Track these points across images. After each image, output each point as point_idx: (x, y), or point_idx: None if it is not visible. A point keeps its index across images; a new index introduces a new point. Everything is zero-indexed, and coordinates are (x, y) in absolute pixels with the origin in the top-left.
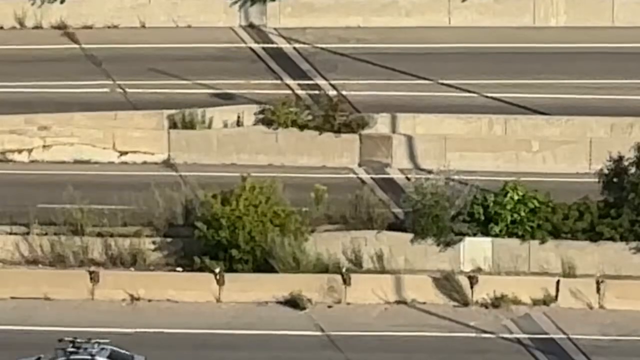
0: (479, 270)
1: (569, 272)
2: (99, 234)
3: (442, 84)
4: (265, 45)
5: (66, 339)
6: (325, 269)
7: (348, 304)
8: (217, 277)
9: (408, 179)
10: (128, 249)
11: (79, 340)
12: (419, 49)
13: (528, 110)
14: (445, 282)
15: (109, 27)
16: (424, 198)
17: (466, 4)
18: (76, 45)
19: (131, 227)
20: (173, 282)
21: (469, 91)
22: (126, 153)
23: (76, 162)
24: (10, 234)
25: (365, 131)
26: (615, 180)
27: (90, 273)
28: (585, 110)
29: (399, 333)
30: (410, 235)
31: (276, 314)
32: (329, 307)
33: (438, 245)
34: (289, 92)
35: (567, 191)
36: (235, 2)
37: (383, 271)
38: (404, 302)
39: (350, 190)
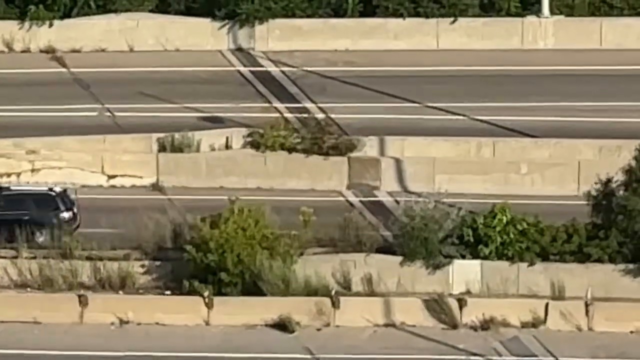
0: (468, 292)
1: (557, 294)
2: (88, 258)
3: (431, 106)
4: (254, 69)
5: None
6: (314, 292)
7: (337, 326)
8: (206, 300)
9: (397, 201)
10: (117, 272)
11: None
12: (407, 71)
13: (516, 132)
14: (435, 305)
15: (97, 51)
16: (412, 221)
17: (454, 27)
18: (64, 69)
19: (120, 251)
20: (162, 306)
21: (458, 114)
22: (115, 176)
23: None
24: None
25: (354, 154)
26: (603, 202)
27: (79, 296)
28: (574, 133)
29: (388, 356)
30: (399, 258)
31: (265, 337)
32: (318, 330)
33: (427, 267)
34: (278, 115)
35: (556, 213)
36: (224, 26)
37: (372, 294)
38: (393, 325)
39: (339, 213)
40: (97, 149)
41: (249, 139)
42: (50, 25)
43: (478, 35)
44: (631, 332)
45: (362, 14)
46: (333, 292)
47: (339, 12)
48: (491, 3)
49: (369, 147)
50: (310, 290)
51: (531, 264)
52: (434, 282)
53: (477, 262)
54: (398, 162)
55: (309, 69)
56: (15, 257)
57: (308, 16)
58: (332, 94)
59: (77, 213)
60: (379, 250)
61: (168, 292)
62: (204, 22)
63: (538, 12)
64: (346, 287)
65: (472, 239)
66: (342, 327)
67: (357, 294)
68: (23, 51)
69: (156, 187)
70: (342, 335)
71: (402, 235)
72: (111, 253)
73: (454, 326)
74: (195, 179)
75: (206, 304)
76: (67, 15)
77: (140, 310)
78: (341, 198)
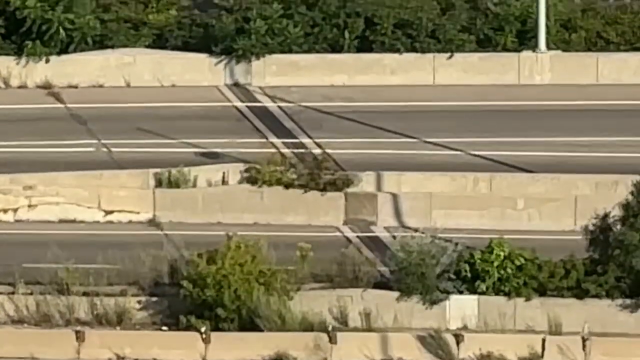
0: (465, 328)
1: (555, 330)
2: (85, 293)
3: (427, 142)
4: (251, 104)
5: None
6: (311, 328)
7: None
8: (203, 336)
9: (394, 237)
10: (114, 308)
11: None
12: (404, 107)
13: (513, 167)
14: (431, 340)
15: (94, 87)
16: (409, 256)
17: (451, 62)
18: (61, 105)
19: (117, 286)
20: (159, 341)
21: (454, 149)
22: (112, 212)
23: (61, 221)
24: None
25: (351, 189)
26: (600, 237)
27: (76, 332)
28: (571, 168)
29: None
30: (396, 294)
31: None
32: None
33: (424, 303)
34: (274, 150)
35: (553, 248)
36: (220, 61)
37: (369, 329)
38: None
39: (335, 249)
40: (93, 184)
41: (246, 175)
42: (47, 61)
43: (474, 70)
44: None
45: (359, 50)
46: (330, 328)
47: (335, 48)
48: (488, 38)
49: (366, 183)
50: (307, 326)
51: (528, 299)
52: (431, 317)
53: (474, 297)
54: (395, 197)
55: (305, 104)
56: (12, 293)
57: (305, 52)
58: (329, 129)
59: None
60: (376, 286)
61: (165, 328)
62: (201, 58)
63: (534, 47)
64: (343, 322)
65: (469, 275)
66: None
67: (354, 330)
68: (20, 87)
69: (153, 223)
70: None
71: (398, 271)
72: (108, 289)
73: None
74: (192, 214)
75: (203, 340)
76: (63, 51)
77: (138, 346)
78: (338, 233)
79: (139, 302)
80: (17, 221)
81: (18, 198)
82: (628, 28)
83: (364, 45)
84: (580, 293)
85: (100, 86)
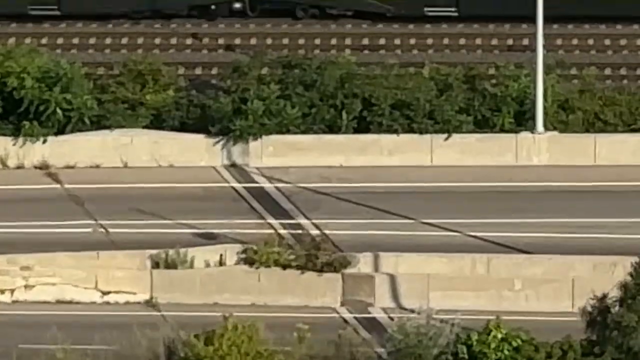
0: None
1: None
2: None
3: (425, 223)
4: (248, 185)
5: None
6: None
7: None
8: None
9: (391, 318)
10: None
11: None
12: (401, 187)
13: (510, 249)
14: None
15: (91, 167)
16: (407, 337)
17: (448, 143)
18: (59, 185)
19: None
20: None
21: (452, 230)
22: (109, 293)
23: (59, 302)
24: None
25: (348, 270)
26: (598, 318)
27: None
28: (568, 249)
29: None
30: None
31: None
32: None
33: None
34: (272, 231)
35: (550, 330)
36: (218, 142)
37: None
38: None
39: (333, 330)
40: (90, 265)
41: (243, 256)
42: (44, 141)
43: (472, 152)
44: None
45: (356, 130)
46: None
47: (333, 129)
48: (485, 119)
49: (363, 264)
50: None
51: None
52: None
53: None
54: (392, 278)
55: (303, 185)
56: None
57: (302, 132)
58: (327, 210)
59: None
60: None
61: None
62: (198, 138)
63: (532, 128)
64: None
65: (466, 356)
66: None
67: None
68: (17, 167)
69: (150, 304)
70: None
71: (396, 352)
72: None
73: None
74: (189, 295)
75: None
76: (61, 131)
77: None
78: (335, 315)
79: None
80: (14, 302)
81: (15, 279)
82: (626, 109)
83: (362, 126)
84: None
85: (98, 167)
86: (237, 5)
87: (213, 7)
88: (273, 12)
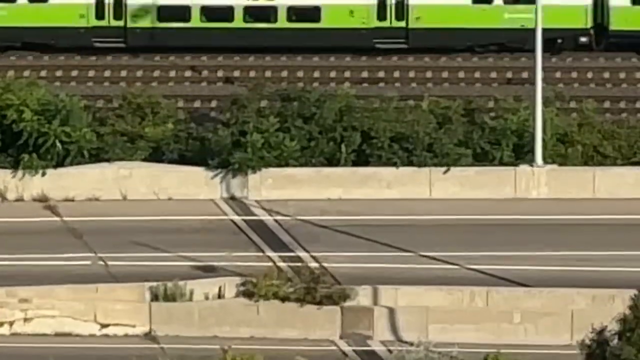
0: None
1: None
2: None
3: (424, 255)
4: (247, 217)
5: None
6: None
7: None
8: None
9: (390, 351)
10: None
11: None
12: (400, 220)
13: (509, 282)
14: None
15: (90, 200)
16: None
17: (447, 176)
18: (58, 218)
19: None
20: None
21: (451, 263)
22: (107, 326)
23: (57, 334)
24: None
25: (347, 303)
26: (597, 351)
27: None
28: (567, 282)
29: None
30: None
31: None
32: None
33: None
34: (271, 264)
35: None
36: (217, 175)
37: None
38: None
39: None
40: (89, 297)
41: (242, 288)
42: (44, 174)
43: (471, 185)
44: None
45: (355, 163)
46: None
47: (332, 161)
48: (484, 152)
49: (362, 297)
50: None
51: None
52: None
53: None
54: (391, 311)
55: (302, 217)
56: None
57: (301, 165)
58: (326, 243)
59: None
60: None
61: None
62: (197, 171)
63: (531, 161)
64: None
65: None
66: None
67: None
68: (16, 200)
69: (149, 337)
70: None
71: None
72: None
73: None
74: (188, 328)
75: None
76: (60, 164)
77: None
78: (334, 347)
79: None
80: (12, 334)
81: (14, 311)
82: (625, 142)
83: (361, 159)
84: None
85: (97, 199)
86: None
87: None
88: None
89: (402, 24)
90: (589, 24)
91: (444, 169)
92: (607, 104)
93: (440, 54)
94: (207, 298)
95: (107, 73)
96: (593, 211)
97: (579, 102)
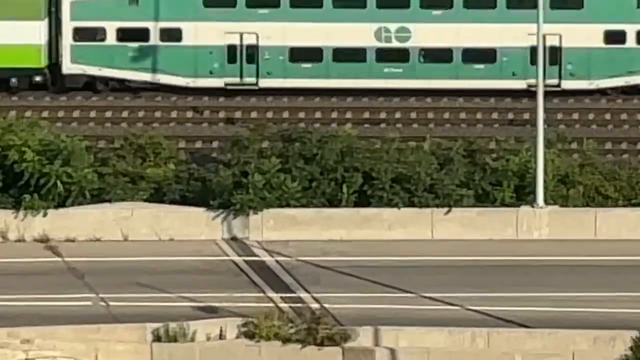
0: None
1: None
2: None
3: (425, 296)
4: (248, 258)
5: None
6: None
7: None
8: None
9: None
10: None
11: None
12: (402, 261)
13: (511, 323)
14: None
15: (91, 240)
16: None
17: (449, 217)
18: (59, 258)
19: None
20: None
21: (452, 304)
22: None
23: None
24: None
25: (349, 344)
26: None
27: None
28: (568, 323)
29: None
30: None
31: None
32: None
33: None
34: (272, 305)
35: None
36: (218, 215)
37: None
38: None
39: None
40: (91, 338)
41: (244, 329)
42: (45, 214)
43: (473, 226)
44: None
45: (357, 204)
46: None
47: (333, 202)
48: (486, 193)
49: (364, 338)
50: None
51: None
52: None
53: None
54: (392, 352)
55: (303, 258)
56: None
57: (302, 206)
58: (327, 283)
59: None
60: None
61: None
62: (199, 212)
63: (533, 203)
64: None
65: None
66: None
67: None
68: (17, 240)
69: None
70: None
71: None
72: None
73: None
74: None
75: None
76: (61, 204)
77: None
78: None
79: None
80: None
81: (15, 352)
82: (626, 184)
83: (362, 200)
84: None
85: (98, 240)
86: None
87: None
88: None
89: None
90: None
91: (445, 209)
92: (608, 145)
93: (441, 95)
94: (208, 339)
95: (108, 114)
96: (594, 252)
97: (580, 143)
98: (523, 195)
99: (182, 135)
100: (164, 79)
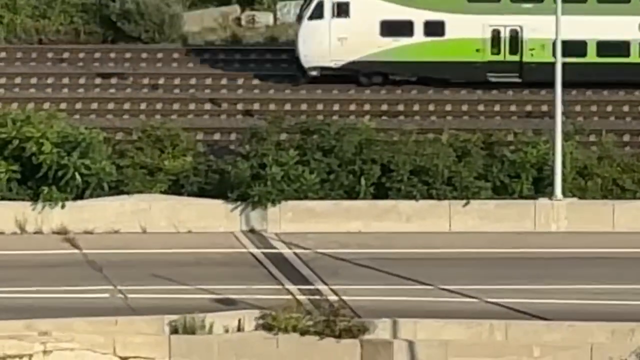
0: None
1: None
2: None
3: (443, 289)
4: (266, 251)
5: None
6: None
7: None
8: None
9: None
10: None
11: None
12: (419, 254)
13: (529, 315)
14: None
15: (110, 232)
16: None
17: (467, 209)
18: (77, 250)
19: None
20: None
21: (470, 296)
22: (127, 358)
23: None
24: None
25: (366, 337)
26: None
27: None
28: (586, 316)
29: None
30: None
31: None
32: None
33: None
34: (290, 297)
35: None
36: (236, 208)
37: None
38: None
39: None
40: (109, 330)
41: (262, 322)
42: (63, 206)
43: (490, 218)
44: None
45: (375, 197)
46: None
47: (351, 194)
48: (504, 186)
49: (382, 330)
50: None
51: None
52: None
53: None
54: (411, 344)
55: (321, 251)
56: None
57: (320, 198)
58: (345, 276)
59: None
60: None
61: None
62: (217, 204)
63: (551, 195)
64: None
65: None
66: None
67: None
68: (35, 232)
69: None
70: None
71: None
72: None
73: None
74: None
75: None
76: (79, 196)
77: None
78: None
79: None
80: None
81: (33, 344)
82: None
83: (380, 192)
84: None
85: (116, 232)
86: None
87: None
88: None
89: None
90: None
91: (463, 202)
92: (626, 138)
93: (459, 87)
94: (226, 331)
95: (126, 105)
96: (612, 244)
97: (599, 135)
98: (541, 187)
99: (200, 127)
100: None
